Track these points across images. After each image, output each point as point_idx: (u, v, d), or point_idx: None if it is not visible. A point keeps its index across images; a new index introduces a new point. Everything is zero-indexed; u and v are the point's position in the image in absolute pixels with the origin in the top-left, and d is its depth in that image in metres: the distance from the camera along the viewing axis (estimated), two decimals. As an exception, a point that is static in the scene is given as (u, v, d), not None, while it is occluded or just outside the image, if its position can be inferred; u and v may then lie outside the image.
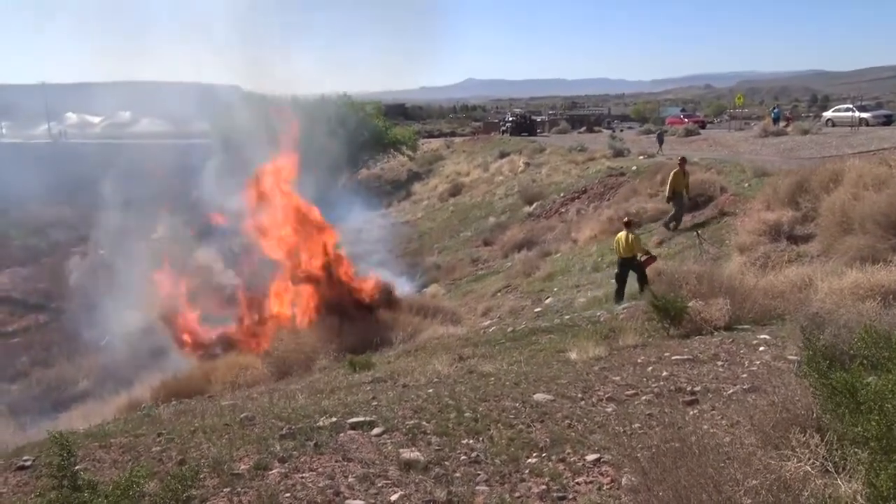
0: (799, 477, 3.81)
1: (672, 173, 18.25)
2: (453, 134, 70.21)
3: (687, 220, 18.40)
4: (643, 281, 13.24)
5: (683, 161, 18.84)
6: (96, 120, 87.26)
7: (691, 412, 6.09)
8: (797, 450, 4.05)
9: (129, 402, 13.20)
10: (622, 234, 13.76)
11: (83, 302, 28.66)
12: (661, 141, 34.47)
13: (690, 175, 18.97)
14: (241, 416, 7.20)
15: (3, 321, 27.19)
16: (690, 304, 9.63)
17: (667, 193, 18.31)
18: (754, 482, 3.71)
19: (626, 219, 14.79)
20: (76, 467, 4.28)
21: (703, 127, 49.94)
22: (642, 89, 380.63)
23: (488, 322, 16.53)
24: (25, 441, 8.77)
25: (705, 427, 5.55)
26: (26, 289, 30.39)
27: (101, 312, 25.16)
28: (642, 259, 13.62)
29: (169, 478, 3.75)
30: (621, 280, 13.68)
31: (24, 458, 6.21)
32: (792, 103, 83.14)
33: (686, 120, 53.32)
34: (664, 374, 7.33)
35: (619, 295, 13.64)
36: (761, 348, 7.95)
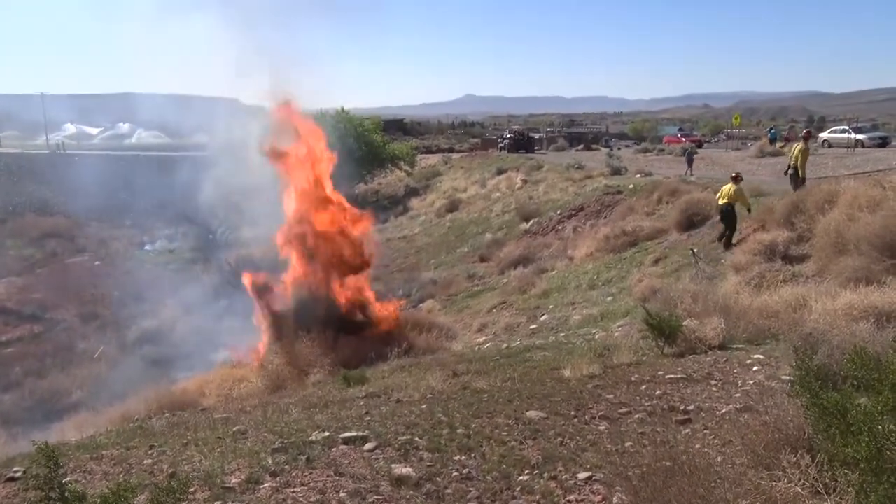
0: (789, 498, 3.82)
1: (798, 149, 18.17)
2: (451, 150, 70.21)
3: (683, 238, 18.49)
4: (731, 229, 16.02)
5: (809, 134, 19.94)
6: (94, 131, 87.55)
7: (684, 431, 6.08)
8: (788, 470, 4.05)
9: (123, 413, 13.11)
10: (728, 186, 16.24)
11: (78, 312, 28.63)
12: (690, 162, 30.28)
13: (687, 193, 19.00)
14: (234, 429, 7.20)
15: (-3, 331, 27.04)
16: (685, 322, 9.63)
17: (790, 170, 18.22)
18: (744, 502, 3.72)
19: (734, 174, 17.06)
20: (66, 479, 4.27)
21: (700, 146, 50.22)
22: (641, 108, 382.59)
23: (483, 338, 16.53)
24: (16, 452, 8.73)
25: (697, 446, 5.54)
26: (21, 299, 30.24)
27: (96, 323, 25.10)
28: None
29: (158, 490, 3.73)
30: (726, 221, 16.18)
31: (14, 469, 6.18)
32: (789, 124, 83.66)
33: (683, 139, 53.63)
34: (657, 392, 7.33)
35: (723, 234, 16.22)
36: (755, 368, 7.95)
